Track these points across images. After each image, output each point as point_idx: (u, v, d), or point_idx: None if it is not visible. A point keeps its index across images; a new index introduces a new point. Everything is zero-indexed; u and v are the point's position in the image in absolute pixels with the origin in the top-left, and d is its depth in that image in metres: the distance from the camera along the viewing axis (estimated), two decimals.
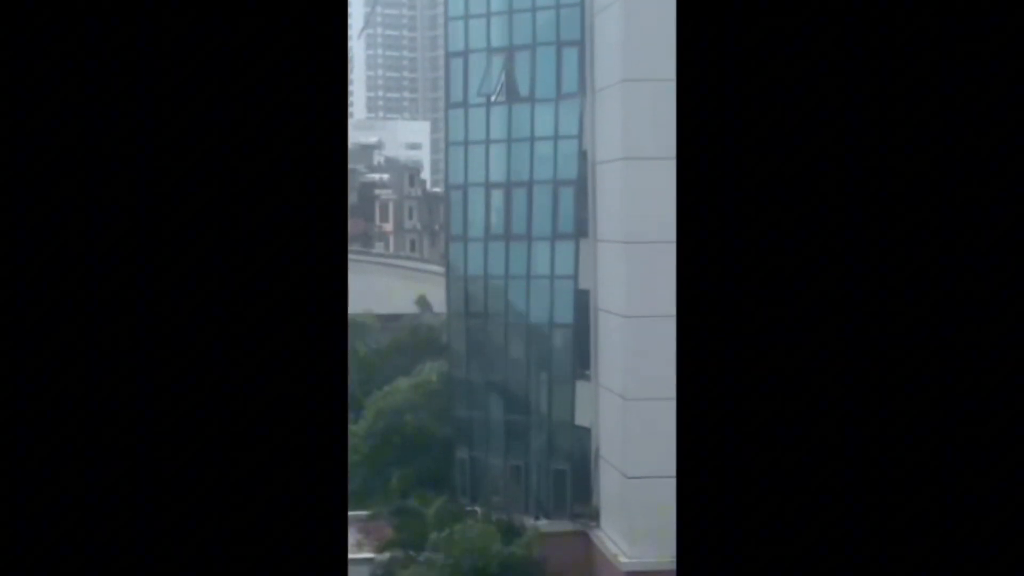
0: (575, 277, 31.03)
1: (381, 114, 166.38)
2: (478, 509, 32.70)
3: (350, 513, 33.42)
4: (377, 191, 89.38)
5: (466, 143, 33.94)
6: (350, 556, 31.61)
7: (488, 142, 33.17)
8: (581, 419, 31.01)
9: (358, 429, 37.78)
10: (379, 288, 55.13)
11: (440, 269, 59.28)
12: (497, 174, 33.15)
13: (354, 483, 35.26)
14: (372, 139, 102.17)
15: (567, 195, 31.42)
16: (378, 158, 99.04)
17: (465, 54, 33.71)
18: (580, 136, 31.02)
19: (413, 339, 47.06)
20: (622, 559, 27.67)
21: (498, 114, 32.94)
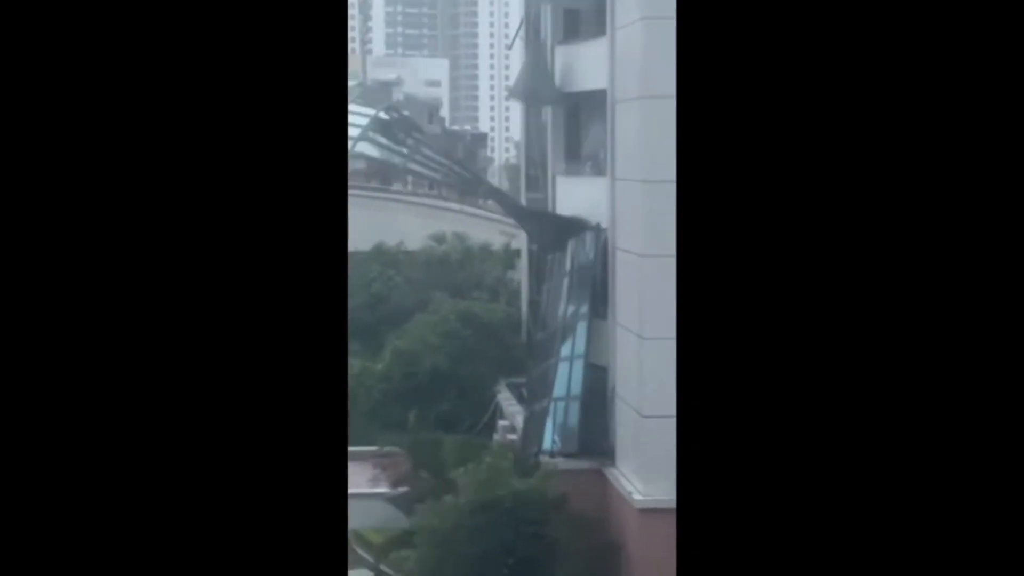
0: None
1: (400, 51, 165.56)
2: (494, 446, 32.84)
3: (366, 448, 33.64)
4: None
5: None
6: (366, 491, 31.86)
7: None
8: (598, 358, 31.06)
9: (376, 369, 37.91)
10: (396, 225, 55.16)
11: (457, 207, 59.19)
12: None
13: (372, 422, 35.42)
14: (391, 76, 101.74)
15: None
16: (397, 95, 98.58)
17: None
18: None
19: (428, 275, 47.11)
20: (636, 497, 27.79)
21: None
